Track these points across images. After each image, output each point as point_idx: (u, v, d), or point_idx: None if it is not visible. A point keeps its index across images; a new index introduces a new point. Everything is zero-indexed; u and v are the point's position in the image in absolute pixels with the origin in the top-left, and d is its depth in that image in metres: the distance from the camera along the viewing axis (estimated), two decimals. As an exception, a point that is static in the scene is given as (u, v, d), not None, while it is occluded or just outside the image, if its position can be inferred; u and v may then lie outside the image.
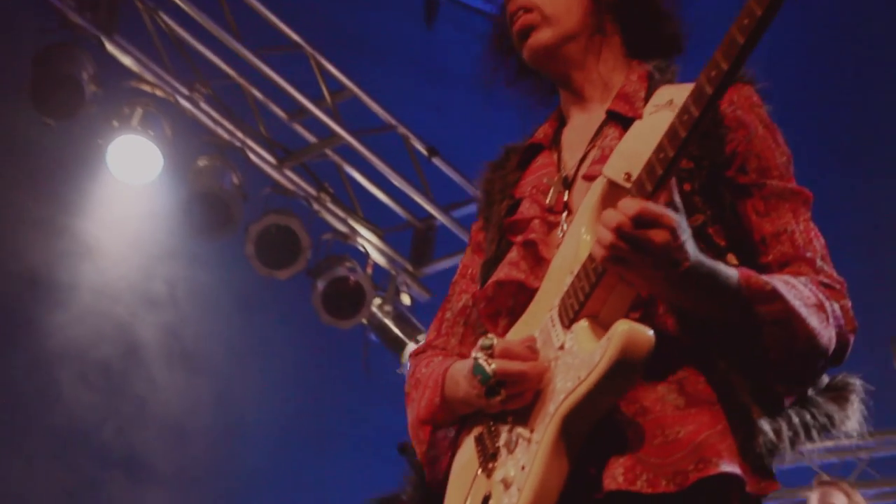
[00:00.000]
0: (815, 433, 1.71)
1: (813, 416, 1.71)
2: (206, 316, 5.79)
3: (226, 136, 5.38)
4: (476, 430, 1.83)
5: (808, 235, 1.77)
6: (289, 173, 5.49)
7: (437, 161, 5.61)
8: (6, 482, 5.27)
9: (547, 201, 1.87)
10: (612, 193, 1.69)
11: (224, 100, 5.42)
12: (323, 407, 5.42)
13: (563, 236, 1.83)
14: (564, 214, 1.86)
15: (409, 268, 5.79)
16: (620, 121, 1.85)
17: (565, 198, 1.87)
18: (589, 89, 1.91)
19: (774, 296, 1.62)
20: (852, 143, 6.27)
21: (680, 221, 1.59)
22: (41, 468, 5.45)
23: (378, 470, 3.16)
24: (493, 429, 1.79)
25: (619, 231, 1.56)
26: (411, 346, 5.64)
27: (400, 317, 5.76)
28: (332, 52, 5.49)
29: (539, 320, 1.80)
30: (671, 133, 1.57)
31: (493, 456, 1.79)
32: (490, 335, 1.77)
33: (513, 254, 1.89)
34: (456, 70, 6.41)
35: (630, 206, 1.57)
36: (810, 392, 1.74)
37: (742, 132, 1.78)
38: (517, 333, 1.84)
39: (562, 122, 2.01)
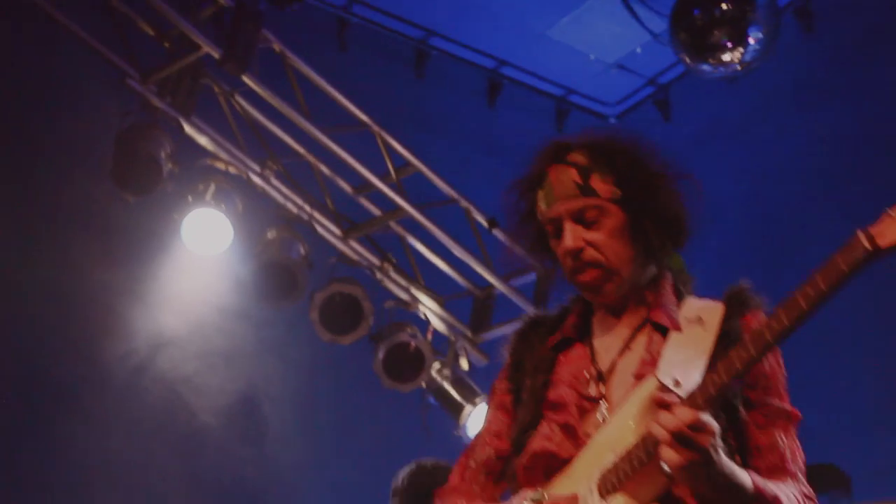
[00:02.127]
0: None
1: None
2: (274, 379, 6.08)
3: (294, 209, 5.71)
4: None
5: (795, 452, 2.11)
6: (354, 244, 5.78)
7: (496, 232, 5.82)
8: None
9: (588, 391, 2.16)
10: (661, 395, 2.00)
11: (293, 175, 5.73)
12: (387, 466, 5.62)
13: (603, 420, 2.12)
14: (603, 403, 2.15)
15: (469, 334, 6.02)
16: (660, 329, 2.16)
17: (602, 389, 2.16)
18: (624, 300, 2.18)
19: (777, 502, 1.97)
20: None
21: (718, 429, 1.90)
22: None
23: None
24: None
25: (675, 432, 1.86)
26: (469, 409, 5.86)
27: (459, 381, 5.96)
28: (397, 130, 5.80)
29: (574, 485, 2.09)
30: (728, 364, 1.90)
31: None
32: (539, 489, 2.08)
33: (545, 428, 2.18)
34: (515, 145, 6.73)
35: (686, 413, 1.88)
36: None
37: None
38: (553, 489, 2.10)
39: (587, 314, 2.28)
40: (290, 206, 5.70)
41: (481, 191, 5.96)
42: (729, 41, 6.02)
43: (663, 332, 2.17)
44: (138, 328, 5.75)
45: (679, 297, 2.23)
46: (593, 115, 8.01)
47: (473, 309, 6.14)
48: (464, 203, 5.88)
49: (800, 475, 2.13)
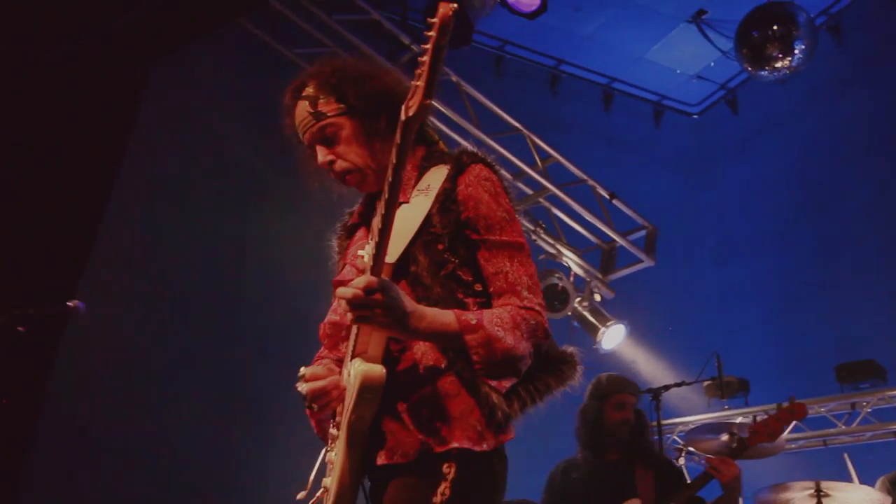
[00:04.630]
0: (538, 398, 2.16)
1: (535, 387, 2.16)
2: None
3: None
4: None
5: (518, 273, 2.15)
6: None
7: (616, 202, 6.94)
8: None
9: (362, 265, 2.09)
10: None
11: None
12: None
13: None
14: None
15: (599, 276, 7.05)
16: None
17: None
18: (382, 183, 2.05)
19: (478, 327, 2.06)
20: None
21: (389, 289, 1.96)
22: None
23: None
24: (333, 424, 2.25)
25: (351, 301, 1.96)
26: (602, 330, 6.93)
27: (594, 310, 7.00)
28: (540, 132, 6.82)
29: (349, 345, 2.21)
30: (379, 230, 1.95)
31: (333, 441, 2.24)
32: (303, 368, 2.21)
33: (334, 303, 2.36)
34: (625, 139, 7.98)
35: (360, 281, 1.97)
36: (535, 369, 2.15)
37: (471, 202, 2.17)
38: (345, 352, 2.26)
39: (372, 203, 2.37)
40: (464, 192, 6.96)
41: (602, 172, 7.05)
42: (780, 53, 6.74)
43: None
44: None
45: (423, 169, 2.25)
46: (681, 114, 8.74)
47: (601, 258, 7.10)
48: (590, 182, 6.94)
49: (523, 291, 2.15)
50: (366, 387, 2.05)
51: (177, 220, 6.11)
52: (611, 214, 7.06)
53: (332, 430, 2.24)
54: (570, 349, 2.28)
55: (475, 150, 2.27)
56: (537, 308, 2.14)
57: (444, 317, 2.06)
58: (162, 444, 5.74)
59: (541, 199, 7.00)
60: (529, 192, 6.99)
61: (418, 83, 1.80)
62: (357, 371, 2.05)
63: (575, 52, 7.82)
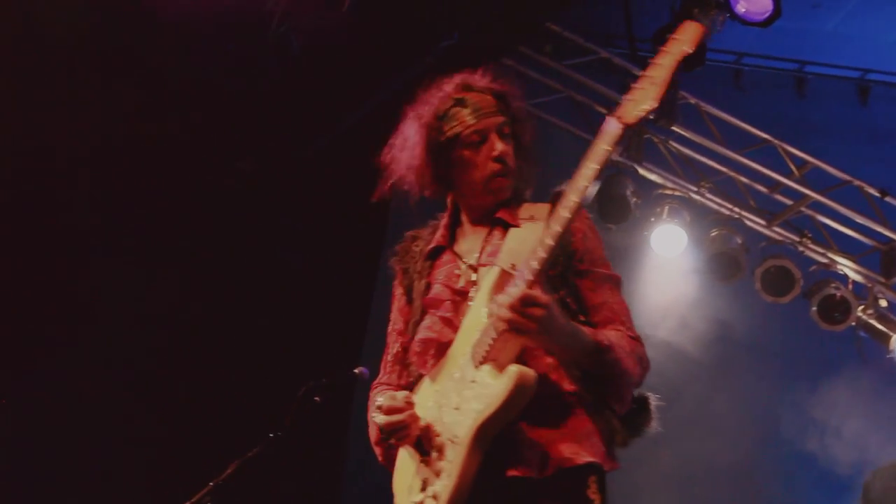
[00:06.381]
0: (635, 434, 2.33)
1: (635, 424, 2.34)
2: (730, 340, 7.19)
3: (727, 212, 6.89)
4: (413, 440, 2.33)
5: (621, 304, 2.37)
6: (776, 229, 6.93)
7: (889, 199, 6.72)
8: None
9: (459, 285, 2.38)
10: (504, 278, 2.23)
11: (721, 188, 6.89)
12: (827, 390, 6.60)
13: (471, 305, 2.33)
14: (473, 292, 2.37)
15: (882, 279, 6.83)
16: (504, 226, 2.41)
17: (472, 279, 2.40)
18: (478, 212, 2.47)
19: (611, 348, 2.22)
20: None
21: (548, 299, 2.11)
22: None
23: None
24: (425, 438, 2.29)
25: (511, 308, 2.08)
26: (895, 337, 6.71)
27: (882, 316, 6.80)
28: (791, 138, 6.74)
29: (455, 359, 2.32)
30: (542, 243, 2.11)
31: (427, 454, 2.29)
32: (380, 398, 2.34)
33: (427, 321, 2.43)
34: (890, 130, 7.57)
35: (519, 290, 2.09)
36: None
37: (580, 235, 2.37)
38: (442, 369, 2.35)
39: (453, 227, 2.54)
40: (723, 210, 6.89)
41: (867, 170, 6.82)
42: None
43: (506, 228, 2.40)
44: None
45: (517, 203, 2.46)
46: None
47: (881, 260, 6.88)
48: (856, 182, 6.76)
49: (627, 322, 2.34)
50: (520, 387, 2.12)
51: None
52: (885, 213, 6.84)
53: (434, 442, 2.29)
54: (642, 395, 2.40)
55: None
56: (641, 339, 2.33)
57: (582, 333, 2.21)
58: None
59: (803, 209, 6.92)
60: (789, 202, 6.94)
61: (643, 93, 1.99)
62: (512, 372, 2.12)
63: (819, 50, 7.64)
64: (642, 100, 2.03)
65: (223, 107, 5.54)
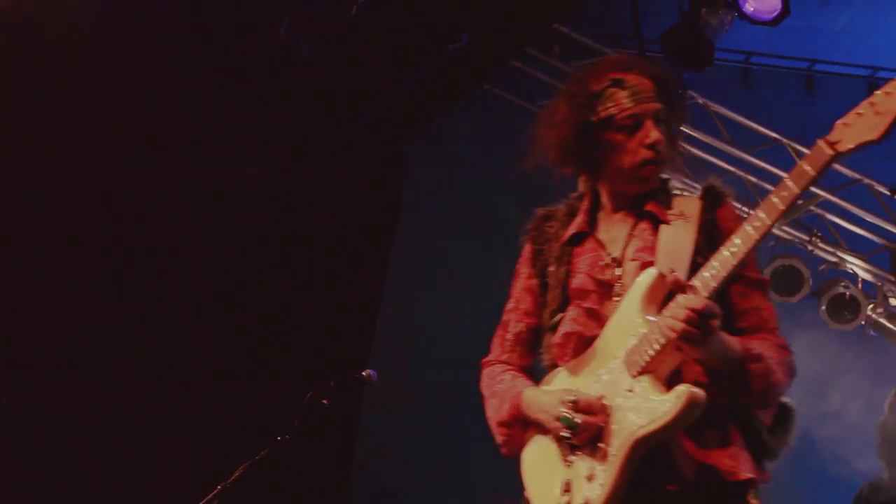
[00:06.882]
0: (782, 444, 2.31)
1: (780, 434, 2.31)
2: None
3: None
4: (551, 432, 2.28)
5: (771, 311, 2.31)
6: (786, 228, 6.89)
7: None
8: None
9: (603, 277, 2.31)
10: (660, 282, 2.18)
11: (731, 188, 6.88)
12: (838, 391, 6.59)
13: (619, 301, 2.27)
14: (618, 285, 2.30)
15: (892, 278, 6.80)
16: (652, 220, 2.32)
17: (617, 273, 2.32)
18: (634, 196, 2.38)
19: (761, 357, 2.17)
20: None
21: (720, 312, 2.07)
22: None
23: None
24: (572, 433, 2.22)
25: (689, 320, 2.04)
26: None
27: (891, 315, 6.79)
28: (800, 137, 6.63)
29: (602, 360, 2.26)
30: (724, 260, 2.06)
31: (573, 450, 2.23)
32: (573, 391, 2.23)
33: (572, 312, 2.35)
34: None
35: (696, 301, 2.05)
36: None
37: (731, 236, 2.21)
38: (585, 366, 2.30)
39: (593, 211, 2.44)
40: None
41: (877, 168, 6.71)
42: None
43: (655, 223, 2.31)
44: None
45: (665, 195, 2.39)
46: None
47: (891, 259, 6.80)
48: (866, 180, 6.72)
49: (776, 330, 2.29)
50: (689, 409, 2.08)
51: (447, 289, 6.37)
52: (895, 211, 6.82)
53: (572, 455, 2.25)
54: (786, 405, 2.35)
55: (721, 184, 2.40)
56: (789, 348, 2.27)
57: (732, 342, 2.16)
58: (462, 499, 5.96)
59: (812, 207, 6.90)
60: (798, 201, 6.79)
61: (864, 121, 1.93)
62: (682, 392, 2.08)
63: (829, 48, 7.60)
64: (864, 130, 1.96)
65: (230, 113, 5.61)
